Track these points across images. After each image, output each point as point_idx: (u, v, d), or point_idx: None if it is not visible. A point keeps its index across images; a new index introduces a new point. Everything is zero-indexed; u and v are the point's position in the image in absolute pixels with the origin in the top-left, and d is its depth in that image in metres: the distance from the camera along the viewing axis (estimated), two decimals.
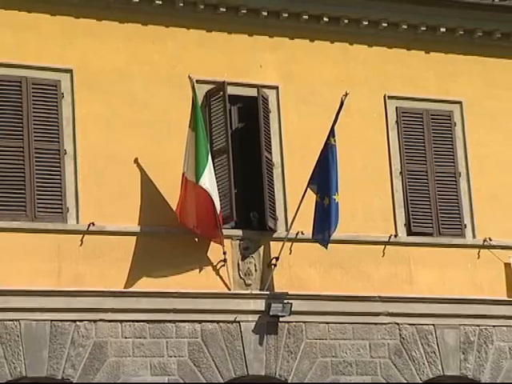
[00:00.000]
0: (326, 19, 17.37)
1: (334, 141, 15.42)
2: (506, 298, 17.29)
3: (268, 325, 15.66)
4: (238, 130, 16.67)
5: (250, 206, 16.29)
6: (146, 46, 16.50)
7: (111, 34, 16.44)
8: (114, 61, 16.12)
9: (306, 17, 17.20)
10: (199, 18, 16.66)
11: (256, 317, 15.60)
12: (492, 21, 19.01)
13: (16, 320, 14.47)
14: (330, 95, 16.47)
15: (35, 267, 14.64)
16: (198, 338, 15.28)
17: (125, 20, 16.44)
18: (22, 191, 14.99)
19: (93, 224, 14.90)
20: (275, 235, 16.09)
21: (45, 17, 15.88)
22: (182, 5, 16.52)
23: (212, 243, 15.62)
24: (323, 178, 15.50)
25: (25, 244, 14.70)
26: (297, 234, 15.94)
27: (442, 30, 18.48)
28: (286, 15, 17.01)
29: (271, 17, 17.01)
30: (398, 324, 16.36)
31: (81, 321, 14.62)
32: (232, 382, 15.13)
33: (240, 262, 15.92)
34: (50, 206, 15.13)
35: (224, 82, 16.05)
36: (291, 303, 15.42)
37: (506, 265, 17.25)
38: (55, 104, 15.49)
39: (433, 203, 17.38)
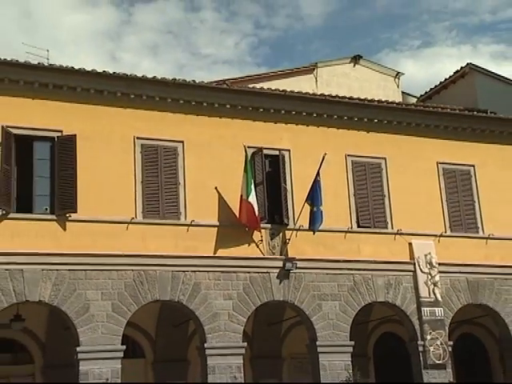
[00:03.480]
0: (325, 116, 18.87)
1: (319, 178, 17.13)
2: (408, 260, 18.56)
3: (284, 274, 17.18)
4: (267, 172, 17.89)
5: (275, 211, 17.81)
6: (224, 125, 17.80)
7: (206, 115, 17.63)
8: (205, 135, 17.43)
9: (304, 114, 18.73)
10: (245, 112, 18.14)
11: (277, 270, 17.20)
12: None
13: (154, 270, 16.12)
14: (318, 156, 17.43)
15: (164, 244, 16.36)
16: (247, 280, 16.96)
17: (206, 111, 17.69)
18: (157, 201, 16.62)
19: (193, 221, 16.75)
20: (288, 227, 17.65)
21: (169, 107, 17.31)
22: (240, 108, 18.05)
23: (255, 231, 17.22)
24: (313, 197, 17.09)
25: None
26: (300, 226, 17.63)
27: None
28: (294, 113, 18.56)
29: (287, 114, 18.40)
30: (352, 274, 17.90)
31: (187, 271, 16.40)
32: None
33: (269, 241, 17.46)
34: (172, 210, 16.77)
35: (261, 148, 17.74)
36: (296, 262, 17.12)
37: (409, 244, 18.77)
38: (174, 159, 17.08)
39: (371, 211, 18.75)
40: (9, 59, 15.75)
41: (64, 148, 15.97)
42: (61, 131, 16.10)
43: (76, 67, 16.46)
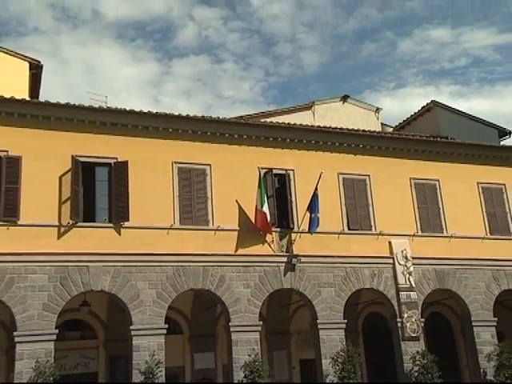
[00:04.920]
0: (321, 143, 18.72)
1: (317, 191, 17.03)
2: (389, 255, 18.37)
3: (290, 267, 17.09)
4: (276, 188, 17.77)
5: (283, 218, 17.60)
6: (242, 151, 17.72)
7: (228, 144, 17.56)
8: (227, 159, 17.38)
9: (305, 141, 18.66)
10: (258, 141, 18.06)
11: (285, 264, 17.10)
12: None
13: (189, 265, 16.03)
14: (316, 174, 17.34)
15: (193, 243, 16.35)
16: (262, 273, 16.84)
17: (228, 141, 17.58)
18: (190, 211, 16.49)
19: (219, 226, 16.65)
20: (293, 230, 17.51)
21: (199, 137, 17.27)
22: (254, 137, 17.92)
23: (267, 234, 17.08)
24: (312, 206, 17.03)
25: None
26: (302, 230, 17.40)
27: None
28: (297, 141, 18.44)
29: (291, 142, 18.37)
30: (344, 267, 17.82)
31: (214, 266, 16.31)
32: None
33: (279, 241, 17.35)
34: (202, 218, 16.67)
35: (271, 168, 17.68)
36: (300, 258, 17.10)
37: (389, 242, 18.58)
38: (204, 178, 17.06)
39: (358, 216, 18.51)
40: (77, 104, 16.02)
41: (119, 171, 16.06)
42: (116, 158, 16.19)
43: (127, 109, 16.59)
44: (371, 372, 20.78)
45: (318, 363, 17.03)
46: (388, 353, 18.60)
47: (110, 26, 63.47)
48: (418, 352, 17.43)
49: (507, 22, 63.26)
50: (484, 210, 20.42)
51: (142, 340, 14.97)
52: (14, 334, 13.90)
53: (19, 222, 14.60)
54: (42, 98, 20.59)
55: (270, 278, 17.05)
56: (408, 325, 17.96)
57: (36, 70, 20.64)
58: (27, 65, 20.30)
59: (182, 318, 19.48)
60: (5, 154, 14.82)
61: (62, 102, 15.68)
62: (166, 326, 15.54)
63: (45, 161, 15.23)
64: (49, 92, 45.61)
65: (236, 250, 16.85)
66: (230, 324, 16.19)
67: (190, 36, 66.22)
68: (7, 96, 15.07)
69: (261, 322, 16.72)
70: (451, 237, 19.64)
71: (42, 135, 15.44)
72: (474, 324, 18.92)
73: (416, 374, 16.97)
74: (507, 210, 20.66)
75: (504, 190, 20.84)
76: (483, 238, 20.03)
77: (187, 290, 16.22)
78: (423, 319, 18.48)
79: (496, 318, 19.27)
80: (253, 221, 16.96)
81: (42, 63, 20.54)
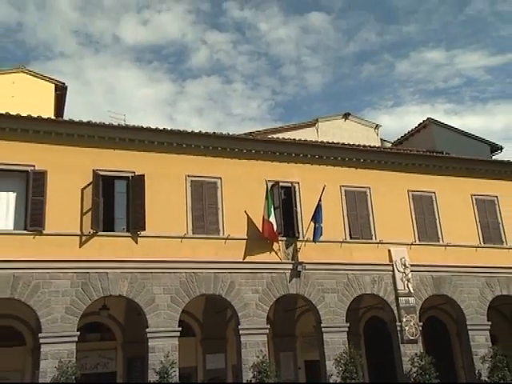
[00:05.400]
0: (324, 157, 18.55)
1: (321, 203, 17.05)
2: (388, 263, 18.20)
3: (296, 274, 16.94)
4: (283, 199, 17.63)
5: (289, 228, 17.49)
6: (250, 165, 17.65)
7: (237, 158, 17.51)
8: (237, 172, 17.27)
9: (309, 156, 18.51)
10: (266, 155, 17.91)
11: (291, 271, 16.96)
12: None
13: (201, 272, 15.86)
14: (320, 186, 17.44)
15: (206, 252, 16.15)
16: (269, 279, 16.67)
17: (237, 155, 17.53)
18: (202, 221, 16.26)
19: (229, 235, 16.51)
20: (299, 239, 17.42)
21: (211, 152, 17.17)
22: (262, 152, 17.84)
23: (274, 243, 16.95)
24: (316, 216, 17.01)
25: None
26: (306, 239, 17.35)
27: None
28: (302, 155, 18.37)
29: (296, 156, 18.30)
30: (346, 273, 17.64)
31: (225, 272, 16.13)
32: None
33: (285, 249, 17.16)
34: (213, 227, 16.44)
35: (278, 181, 17.50)
36: (305, 265, 16.94)
37: (389, 250, 18.36)
38: (215, 190, 16.86)
39: (359, 226, 18.36)
40: (98, 122, 16.04)
41: (136, 184, 16.03)
42: (134, 172, 16.16)
43: (144, 126, 16.57)
44: (372, 372, 20.56)
45: (322, 364, 16.87)
46: (388, 355, 18.43)
47: (128, 49, 64.81)
48: (416, 354, 17.31)
49: (497, 46, 64.73)
50: (478, 220, 20.30)
51: (157, 342, 14.85)
52: (39, 335, 13.91)
53: (44, 232, 14.61)
54: (66, 116, 20.98)
55: (276, 283, 16.91)
56: (407, 328, 17.82)
57: (61, 91, 21.01)
58: (53, 86, 20.72)
59: (195, 321, 19.38)
60: (32, 168, 14.92)
61: (85, 120, 15.80)
62: (180, 328, 15.44)
63: (68, 174, 15.26)
64: (72, 111, 46.20)
65: (245, 258, 16.71)
66: (239, 327, 16.08)
67: (203, 58, 67.33)
68: (34, 115, 15.24)
69: (268, 326, 16.58)
70: (447, 245, 19.47)
71: (65, 151, 15.48)
72: (469, 328, 18.76)
73: (414, 374, 16.84)
74: (499, 221, 20.53)
75: (496, 202, 20.72)
76: (477, 247, 19.87)
77: (199, 295, 16.12)
78: (421, 323, 18.28)
79: (490, 322, 19.11)
80: (260, 230, 16.82)
81: (66, 85, 20.90)
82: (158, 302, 15.30)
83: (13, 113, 14.98)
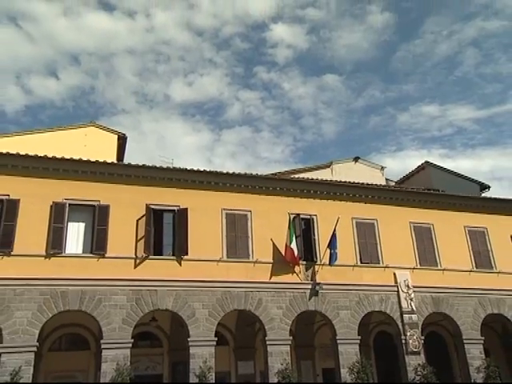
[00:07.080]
0: (338, 194, 18.25)
1: (336, 232, 16.77)
2: (393, 284, 17.77)
3: (314, 293, 16.58)
4: (303, 229, 17.27)
5: (308, 253, 17.17)
6: (276, 200, 17.22)
7: (264, 194, 17.16)
8: (264, 206, 17.00)
9: (325, 192, 18.10)
10: (288, 192, 17.61)
11: (309, 290, 16.61)
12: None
13: (234, 290, 15.56)
14: (334, 218, 17.12)
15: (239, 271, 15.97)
16: (291, 297, 16.30)
17: (265, 192, 17.22)
18: (235, 247, 16.01)
19: (257, 259, 16.24)
20: (317, 263, 17.04)
21: (242, 190, 16.94)
22: (285, 189, 17.54)
23: (296, 266, 16.58)
24: (332, 244, 16.68)
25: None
26: (323, 263, 16.99)
27: None
28: (319, 192, 18.11)
29: (314, 193, 17.96)
30: (358, 293, 17.22)
31: (254, 291, 15.72)
32: None
33: (305, 272, 16.83)
34: (244, 253, 16.05)
35: (299, 214, 17.14)
36: (322, 286, 16.60)
37: (394, 274, 17.93)
38: (246, 221, 16.67)
39: (368, 252, 18.02)
40: (150, 165, 16.11)
41: (180, 216, 15.91)
42: (179, 206, 16.06)
43: (188, 168, 16.58)
44: (381, 380, 19.71)
45: (337, 372, 16.43)
46: (394, 364, 17.95)
47: (176, 106, 67.06)
48: (419, 364, 16.88)
49: (482, 101, 65.74)
50: (470, 248, 19.80)
51: (197, 349, 14.66)
52: (101, 341, 13.89)
53: (106, 255, 14.65)
54: (125, 160, 21.40)
55: (297, 301, 16.61)
56: (410, 341, 17.38)
57: (122, 140, 21.46)
58: (116, 137, 21.24)
59: (228, 332, 19.06)
60: (97, 203, 15.16)
61: (140, 163, 15.93)
62: (216, 338, 15.20)
63: (126, 208, 15.30)
64: (131, 156, 47.76)
65: (271, 278, 16.42)
66: (266, 338, 15.79)
67: (236, 112, 68.63)
68: (101, 160, 15.60)
69: (291, 337, 16.19)
70: (444, 270, 19.00)
71: (124, 189, 15.60)
72: (464, 342, 18.20)
73: (418, 382, 16.40)
74: (489, 249, 20.00)
75: (486, 232, 20.24)
76: (470, 271, 19.35)
77: (232, 310, 15.85)
78: (423, 337, 17.78)
79: (483, 337, 18.49)
80: (284, 255, 16.56)
81: (126, 135, 21.40)
82: (197, 315, 15.11)
83: (84, 158, 15.35)
